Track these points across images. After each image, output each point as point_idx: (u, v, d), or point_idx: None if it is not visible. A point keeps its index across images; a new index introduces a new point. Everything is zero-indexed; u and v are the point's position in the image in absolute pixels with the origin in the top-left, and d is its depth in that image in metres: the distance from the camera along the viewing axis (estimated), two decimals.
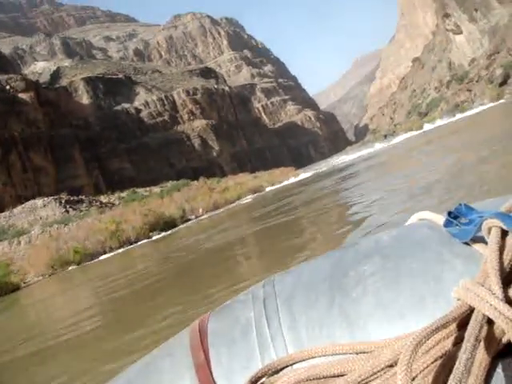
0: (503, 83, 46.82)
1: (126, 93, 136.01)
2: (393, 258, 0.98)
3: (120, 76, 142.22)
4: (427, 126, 53.03)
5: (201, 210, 31.47)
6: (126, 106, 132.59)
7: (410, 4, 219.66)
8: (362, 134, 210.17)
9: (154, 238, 25.28)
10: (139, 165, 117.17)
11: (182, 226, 27.77)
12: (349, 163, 35.11)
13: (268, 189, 38.42)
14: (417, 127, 67.09)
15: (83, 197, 45.18)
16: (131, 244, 24.57)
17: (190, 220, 30.47)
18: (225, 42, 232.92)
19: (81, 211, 38.21)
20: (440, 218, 1.06)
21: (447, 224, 1.01)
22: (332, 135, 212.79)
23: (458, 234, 0.96)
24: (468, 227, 0.95)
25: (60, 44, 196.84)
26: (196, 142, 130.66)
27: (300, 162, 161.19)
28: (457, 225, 0.99)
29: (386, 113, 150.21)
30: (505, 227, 0.85)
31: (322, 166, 52.93)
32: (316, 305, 0.96)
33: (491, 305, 0.74)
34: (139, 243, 24.57)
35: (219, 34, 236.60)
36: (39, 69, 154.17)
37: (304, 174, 43.30)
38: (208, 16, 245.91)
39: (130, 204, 36.28)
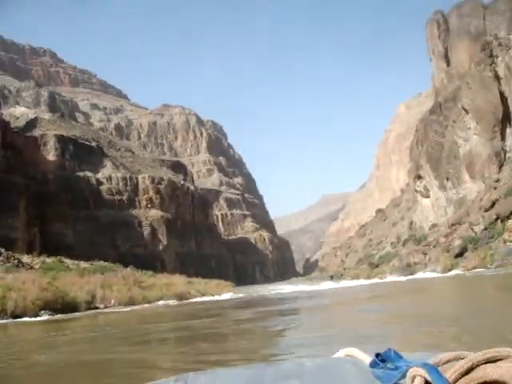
0: (459, 255, 46.42)
1: (93, 162, 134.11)
2: None
3: (93, 144, 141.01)
4: (375, 280, 51.68)
5: (112, 301, 28.39)
6: (89, 174, 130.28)
7: (386, 159, 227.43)
8: (310, 268, 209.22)
9: (42, 317, 21.98)
10: (83, 236, 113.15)
11: (81, 314, 24.48)
12: (290, 296, 32.87)
13: (196, 299, 35.60)
14: (364, 276, 66.30)
15: (2, 250, 41.76)
16: (11, 318, 21.07)
17: (97, 308, 27.28)
18: (204, 144, 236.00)
19: None
20: (367, 358, 1.07)
21: (373, 365, 1.02)
22: (282, 262, 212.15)
23: (381, 376, 0.97)
24: (392, 372, 0.95)
25: (47, 96, 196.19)
26: (146, 231, 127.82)
27: (243, 280, 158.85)
28: (382, 368, 0.99)
29: (339, 254, 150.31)
30: (429, 378, 0.86)
31: (261, 290, 50.28)
32: None
33: None
34: (19, 319, 21.10)
35: (201, 134, 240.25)
36: (18, 113, 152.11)
37: (238, 295, 40.58)
38: (196, 115, 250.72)
39: (46, 272, 33.23)
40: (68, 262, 50.27)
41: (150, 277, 45.79)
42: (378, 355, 1.02)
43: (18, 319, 20.23)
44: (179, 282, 46.23)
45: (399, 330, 11.38)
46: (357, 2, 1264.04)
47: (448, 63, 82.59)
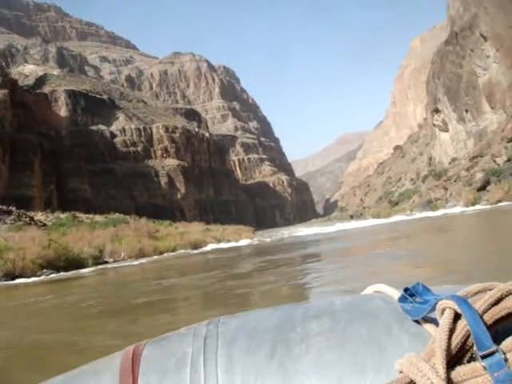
0: (482, 188, 44.67)
1: (105, 115, 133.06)
2: (342, 322, 1.00)
3: (104, 97, 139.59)
4: (396, 217, 50.28)
5: (122, 254, 27.61)
6: (103, 128, 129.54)
7: (402, 94, 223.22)
8: (330, 208, 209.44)
9: (42, 277, 20.96)
10: (99, 190, 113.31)
11: (87, 270, 23.46)
12: (308, 239, 31.77)
13: (210, 246, 34.66)
14: (385, 215, 65.15)
15: (13, 208, 41.23)
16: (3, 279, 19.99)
17: (106, 263, 26.46)
18: (217, 89, 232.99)
19: (5, 223, 34.36)
20: (395, 293, 1.08)
21: (402, 300, 1.03)
22: (301, 204, 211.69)
23: (410, 310, 0.98)
24: (422, 306, 0.97)
25: (55, 52, 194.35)
26: (163, 180, 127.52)
27: (263, 224, 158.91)
28: (411, 302, 1.01)
29: (358, 194, 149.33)
30: (458, 310, 0.87)
31: (279, 234, 49.36)
32: (256, 353, 0.96)
33: (432, 382, 0.73)
34: (12, 282, 19.95)
35: (213, 80, 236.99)
36: (27, 71, 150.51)
37: (254, 241, 39.59)
38: (206, 60, 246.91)
39: (57, 229, 32.56)
40: (82, 216, 49.69)
41: (167, 226, 45.20)
42: (406, 290, 1.03)
43: (12, 281, 19.31)
44: (196, 229, 45.61)
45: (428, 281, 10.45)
46: None
47: None
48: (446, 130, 78.43)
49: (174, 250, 32.11)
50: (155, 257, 28.74)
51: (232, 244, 35.92)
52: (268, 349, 0.95)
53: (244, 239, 40.69)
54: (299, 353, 0.93)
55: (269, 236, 47.52)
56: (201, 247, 33.92)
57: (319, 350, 0.93)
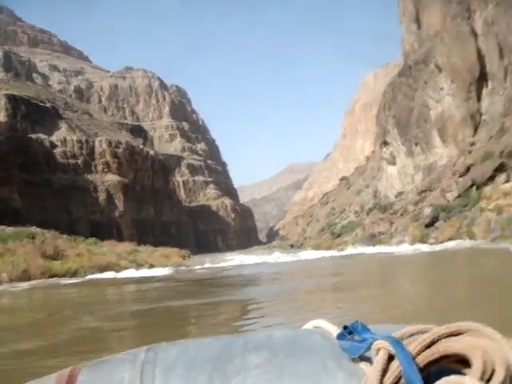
0: (430, 224, 42.90)
1: (47, 124, 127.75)
2: (280, 355, 1.00)
3: (47, 105, 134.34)
4: (336, 252, 47.72)
5: (5, 275, 23.82)
6: (43, 137, 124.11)
7: (353, 128, 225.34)
8: (274, 237, 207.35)
9: None
10: (34, 201, 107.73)
11: None
12: (242, 271, 28.25)
13: (123, 274, 30.23)
14: (325, 247, 63.23)
15: None
16: None
17: None
18: (167, 108, 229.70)
19: None
20: (335, 330, 1.09)
21: (340, 337, 1.05)
22: (244, 230, 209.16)
23: (348, 348, 0.99)
24: (359, 344, 0.98)
25: (1, 55, 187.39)
26: (102, 196, 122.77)
27: (204, 247, 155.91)
28: (349, 340, 1.02)
29: (300, 223, 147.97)
30: (392, 351, 0.88)
31: (216, 261, 45.72)
32: (194, 383, 0.96)
33: None
34: None
35: (164, 98, 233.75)
36: None
37: (179, 267, 35.78)
38: (159, 78, 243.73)
39: None
40: None
41: (90, 244, 41.51)
42: (345, 327, 1.04)
43: None
44: (123, 249, 42.13)
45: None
46: None
47: (419, 26, 78.72)
48: (394, 164, 77.39)
49: (74, 273, 28.19)
50: (50, 279, 24.99)
51: (153, 270, 32.16)
52: (205, 379, 0.95)
53: (171, 265, 37.24)
54: None
55: (202, 262, 44.10)
56: (116, 271, 30.14)
57: (256, 383, 0.93)
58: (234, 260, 45.78)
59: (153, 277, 27.57)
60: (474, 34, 62.26)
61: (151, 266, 35.13)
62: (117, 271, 30.37)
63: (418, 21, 78.95)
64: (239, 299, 15.38)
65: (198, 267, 37.00)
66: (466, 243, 32.14)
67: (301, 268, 29.83)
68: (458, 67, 62.58)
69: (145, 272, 30.87)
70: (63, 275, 27.31)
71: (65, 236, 42.22)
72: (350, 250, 46.67)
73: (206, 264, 39.78)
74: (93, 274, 28.97)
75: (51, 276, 26.52)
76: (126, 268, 32.09)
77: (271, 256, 48.10)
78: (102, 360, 1.04)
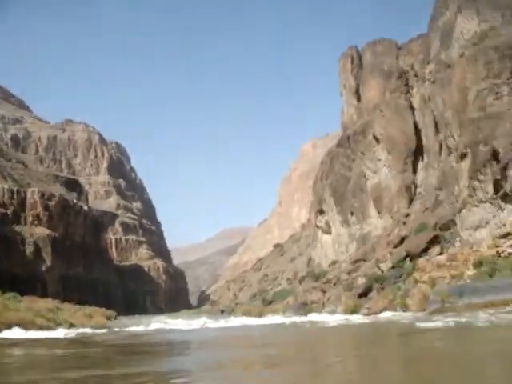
0: (363, 295, 42.73)
1: None
2: None
3: None
4: (267, 319, 46.66)
5: None
6: None
7: (289, 196, 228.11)
8: (205, 301, 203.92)
9: None
10: None
11: None
12: (161, 339, 26.66)
13: (33, 333, 27.88)
14: (256, 313, 62.41)
15: None
16: None
17: None
18: (105, 164, 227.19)
19: None
20: None
21: None
22: (175, 292, 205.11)
23: None
24: None
25: None
26: (29, 249, 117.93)
27: (133, 308, 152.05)
28: None
29: (232, 288, 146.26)
30: None
31: (139, 325, 43.43)
32: None
33: None
34: None
35: (103, 154, 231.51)
36: None
37: (93, 331, 33.29)
38: (99, 134, 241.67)
39: None
40: None
41: (8, 299, 39.19)
42: None
43: None
44: (44, 306, 39.97)
45: None
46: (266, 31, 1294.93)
47: (359, 99, 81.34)
48: (329, 233, 77.90)
49: None
50: None
51: (71, 330, 30.07)
52: None
53: (92, 326, 35.34)
54: None
55: (123, 325, 42.05)
56: (26, 329, 27.95)
57: None
58: (160, 323, 43.99)
59: (66, 338, 25.74)
60: (412, 109, 64.73)
61: (71, 326, 33.24)
62: (27, 329, 28.22)
63: (357, 94, 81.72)
64: (155, 371, 13.18)
65: (117, 329, 35.23)
66: (405, 315, 31.70)
67: (229, 336, 28.58)
68: (395, 139, 64.50)
69: (57, 333, 28.77)
70: None
71: None
72: (280, 319, 45.65)
73: (132, 327, 37.94)
74: (0, 331, 26.84)
75: None
76: (40, 327, 29.94)
77: (196, 322, 46.70)
78: None
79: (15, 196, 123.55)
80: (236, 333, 31.18)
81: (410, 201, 61.62)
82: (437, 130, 57.84)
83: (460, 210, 40.97)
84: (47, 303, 45.11)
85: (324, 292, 54.59)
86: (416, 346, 17.27)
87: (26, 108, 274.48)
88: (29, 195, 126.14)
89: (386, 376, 10.89)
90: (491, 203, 37.05)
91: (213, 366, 13.84)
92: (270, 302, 76.49)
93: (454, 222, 43.02)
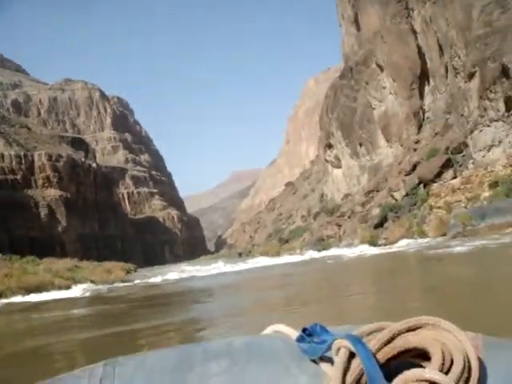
0: (379, 225, 42.35)
1: None
2: (240, 362, 1.01)
3: None
4: (285, 258, 46.55)
5: None
6: None
7: (296, 134, 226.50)
8: (222, 246, 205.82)
9: None
10: None
11: None
12: (176, 287, 26.30)
13: (50, 295, 27.74)
14: (273, 253, 62.46)
15: None
16: None
17: None
18: (108, 120, 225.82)
19: None
20: (294, 333, 1.10)
21: (300, 339, 1.06)
22: (191, 240, 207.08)
23: (308, 350, 1.02)
24: (319, 345, 1.00)
25: None
26: (43, 212, 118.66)
27: (152, 260, 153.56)
28: (309, 342, 1.03)
29: (248, 230, 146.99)
30: (353, 349, 0.90)
31: (150, 276, 43.06)
32: None
33: None
34: None
35: (105, 110, 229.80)
36: None
37: (106, 286, 33.01)
38: (99, 90, 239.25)
39: None
40: None
41: (26, 263, 39.42)
42: (304, 330, 1.05)
43: None
44: (63, 267, 40.16)
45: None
46: None
47: (358, 29, 78.91)
48: (339, 166, 77.08)
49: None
50: None
51: (90, 286, 30.14)
52: None
53: (112, 281, 35.47)
54: None
55: (144, 277, 42.05)
56: (43, 291, 27.91)
57: None
58: (177, 272, 43.94)
59: (85, 296, 25.62)
60: (414, 32, 62.63)
61: (92, 282, 33.40)
62: (48, 291, 28.23)
63: (357, 23, 79.23)
64: (179, 321, 12.68)
65: (138, 281, 35.28)
66: (423, 242, 31.27)
67: (249, 279, 28.42)
68: (399, 66, 62.77)
69: (77, 291, 28.77)
70: None
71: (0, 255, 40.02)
72: (299, 256, 45.61)
73: (151, 278, 37.98)
74: (24, 295, 26.91)
75: None
76: (59, 287, 29.97)
77: (213, 266, 46.50)
78: (59, 378, 1.03)
79: (23, 161, 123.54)
80: (256, 275, 31.02)
81: (419, 127, 60.46)
82: (441, 52, 56.23)
83: (471, 132, 40.15)
84: (66, 263, 45.36)
85: (339, 226, 54.49)
86: (439, 272, 16.92)
87: (23, 71, 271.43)
88: (36, 158, 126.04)
89: (407, 304, 10.56)
90: (504, 121, 36.22)
91: (237, 311, 13.62)
92: (287, 241, 76.79)
93: (465, 144, 42.28)
